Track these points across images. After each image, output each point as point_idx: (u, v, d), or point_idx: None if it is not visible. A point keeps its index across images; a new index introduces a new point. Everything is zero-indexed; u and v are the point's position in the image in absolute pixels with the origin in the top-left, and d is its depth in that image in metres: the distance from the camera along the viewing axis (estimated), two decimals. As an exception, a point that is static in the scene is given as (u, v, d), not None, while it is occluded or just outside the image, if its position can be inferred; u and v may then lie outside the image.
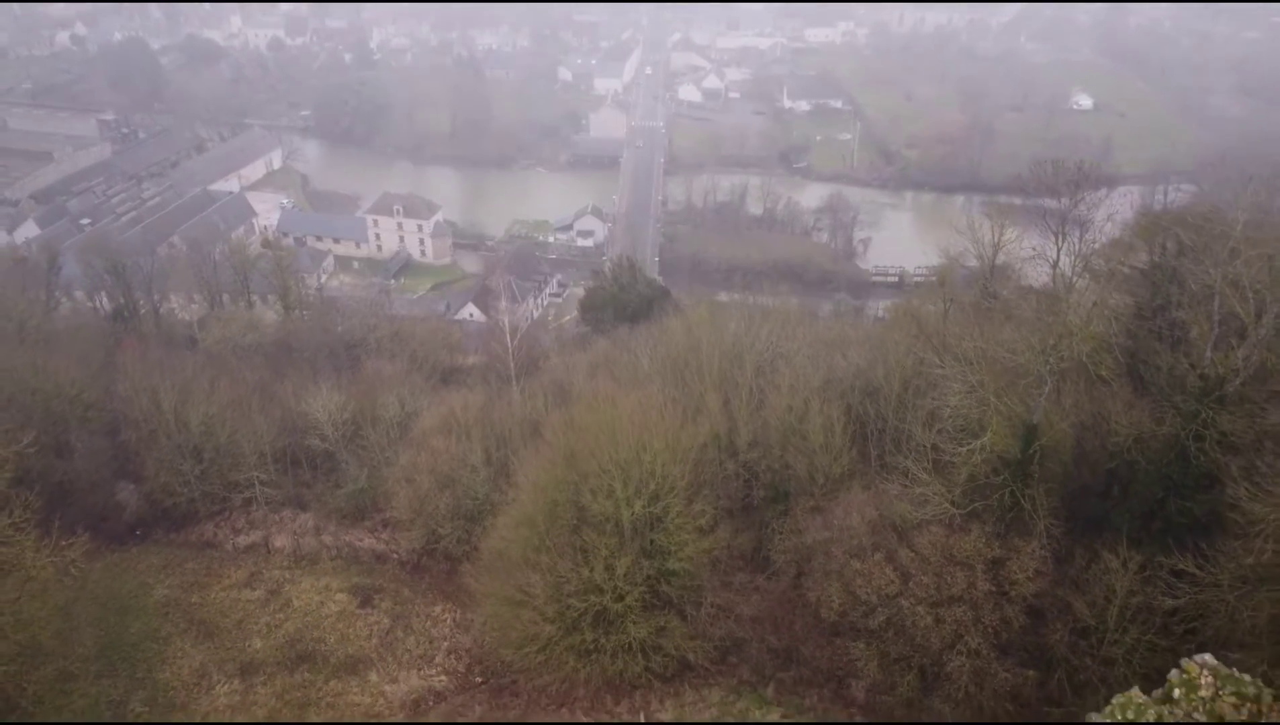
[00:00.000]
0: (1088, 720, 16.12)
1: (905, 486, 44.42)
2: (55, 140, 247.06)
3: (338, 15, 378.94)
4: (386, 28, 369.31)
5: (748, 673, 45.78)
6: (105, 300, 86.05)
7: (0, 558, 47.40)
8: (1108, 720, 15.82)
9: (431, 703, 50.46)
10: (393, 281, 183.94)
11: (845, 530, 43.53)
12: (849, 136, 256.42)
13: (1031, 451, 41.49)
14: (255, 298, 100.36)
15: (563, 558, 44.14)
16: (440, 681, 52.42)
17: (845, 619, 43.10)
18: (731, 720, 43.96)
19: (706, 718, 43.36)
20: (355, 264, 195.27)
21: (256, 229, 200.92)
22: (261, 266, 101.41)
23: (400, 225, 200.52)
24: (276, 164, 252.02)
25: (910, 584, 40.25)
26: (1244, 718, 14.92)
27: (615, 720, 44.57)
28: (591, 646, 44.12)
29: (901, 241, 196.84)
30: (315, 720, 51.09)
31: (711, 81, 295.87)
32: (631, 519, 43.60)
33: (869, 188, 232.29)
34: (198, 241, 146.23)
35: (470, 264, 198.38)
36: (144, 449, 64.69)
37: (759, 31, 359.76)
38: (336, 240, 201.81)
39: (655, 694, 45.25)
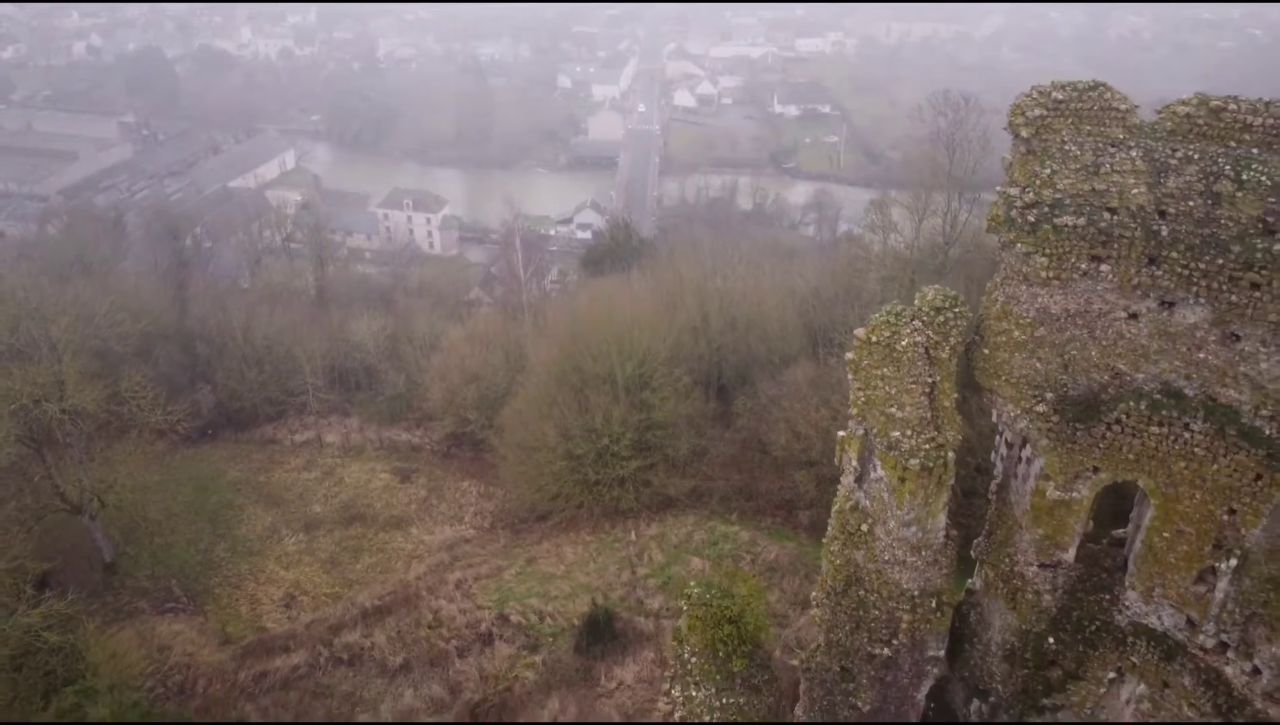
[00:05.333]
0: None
1: (839, 356, 56.49)
2: (79, 141, 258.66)
3: (345, 27, 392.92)
4: (392, 39, 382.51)
5: (716, 504, 57.52)
6: (164, 255, 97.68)
7: (126, 415, 59.49)
8: (877, 316, 27.59)
9: (462, 544, 62.21)
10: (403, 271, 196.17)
11: (791, 386, 55.52)
12: (836, 139, 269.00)
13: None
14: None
15: (569, 411, 56.06)
16: (468, 533, 64.25)
17: (791, 456, 54.93)
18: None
19: (682, 532, 55.09)
20: (367, 255, 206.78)
21: (267, 230, 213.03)
22: (298, 229, 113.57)
23: (410, 218, 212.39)
24: (290, 165, 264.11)
25: (838, 418, 52.05)
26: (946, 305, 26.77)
27: (612, 540, 56.29)
28: (594, 479, 56.04)
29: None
30: (365, 565, 62.89)
31: (705, 88, 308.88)
32: (624, 379, 55.53)
33: (854, 186, 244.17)
34: (219, 232, 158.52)
35: (476, 256, 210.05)
36: (215, 361, 76.87)
37: (751, 41, 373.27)
38: (349, 233, 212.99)
39: (644, 519, 57.06)
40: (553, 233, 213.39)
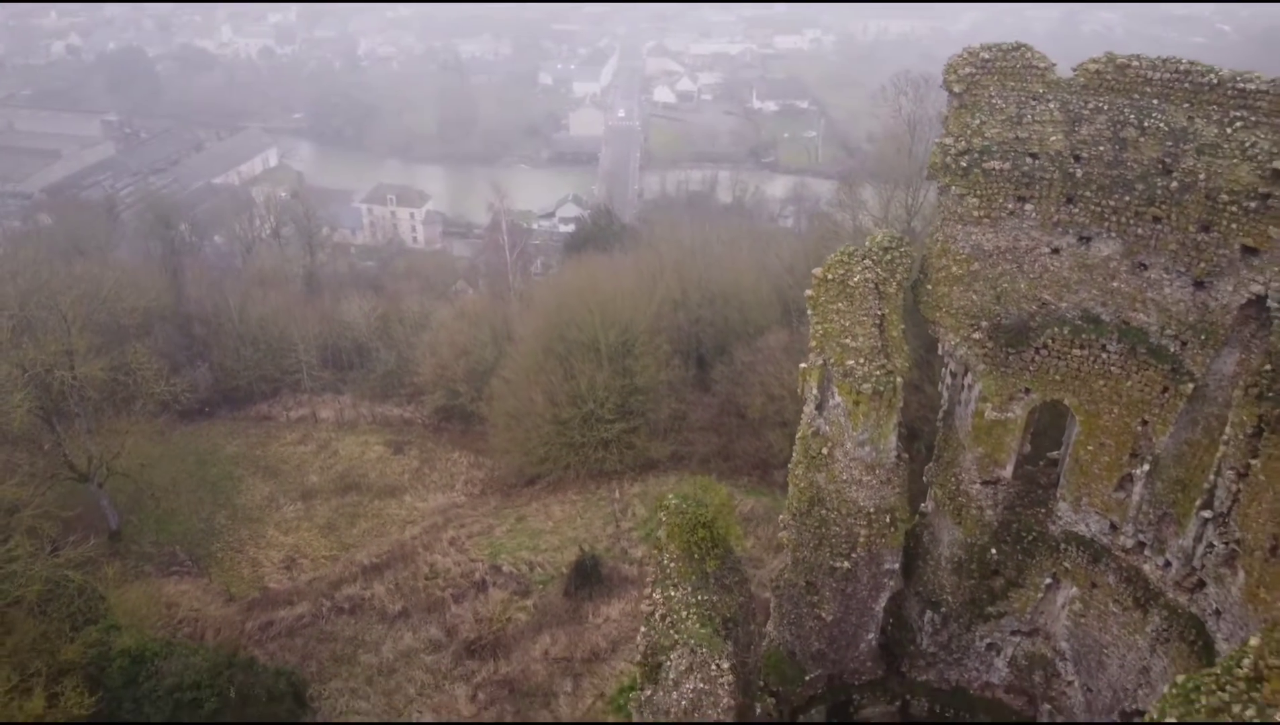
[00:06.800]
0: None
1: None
2: (62, 140, 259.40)
3: (326, 25, 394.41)
4: (373, 37, 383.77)
5: (696, 465, 60.62)
6: (156, 243, 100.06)
7: (131, 386, 62.08)
8: (832, 256, 30.89)
9: (454, 509, 65.14)
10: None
11: (766, 351, 58.75)
12: (814, 134, 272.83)
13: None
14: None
15: (555, 378, 59.13)
16: (460, 499, 67.20)
17: (765, 417, 58.14)
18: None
19: (664, 490, 58.08)
20: (352, 250, 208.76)
21: (257, 219, 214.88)
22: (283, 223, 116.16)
23: (393, 213, 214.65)
24: (273, 162, 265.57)
25: (810, 380, 55.31)
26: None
27: (598, 499, 59.35)
28: (579, 442, 59.13)
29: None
30: (361, 530, 65.62)
31: (685, 84, 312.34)
32: (607, 347, 58.61)
33: (831, 179, 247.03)
34: (207, 226, 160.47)
35: (459, 250, 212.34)
36: (211, 340, 79.53)
37: (730, 39, 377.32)
38: (333, 229, 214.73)
39: (628, 479, 60.19)
40: (535, 227, 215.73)
